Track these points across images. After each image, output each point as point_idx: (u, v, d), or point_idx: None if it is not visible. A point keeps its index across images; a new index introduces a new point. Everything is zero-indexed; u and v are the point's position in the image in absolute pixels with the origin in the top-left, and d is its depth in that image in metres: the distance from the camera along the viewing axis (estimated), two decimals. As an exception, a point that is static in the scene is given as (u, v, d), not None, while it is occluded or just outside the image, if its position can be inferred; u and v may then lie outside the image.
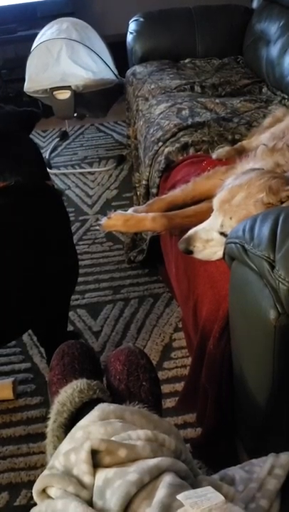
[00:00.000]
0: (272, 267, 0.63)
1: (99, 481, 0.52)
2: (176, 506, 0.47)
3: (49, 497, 0.54)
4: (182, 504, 0.46)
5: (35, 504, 0.56)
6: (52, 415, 0.68)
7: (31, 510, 0.55)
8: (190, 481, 0.55)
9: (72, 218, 1.83)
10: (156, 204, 1.11)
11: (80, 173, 2.25)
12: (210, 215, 0.90)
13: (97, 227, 1.09)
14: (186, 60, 2.08)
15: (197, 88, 1.78)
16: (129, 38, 2.15)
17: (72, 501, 0.50)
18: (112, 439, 0.56)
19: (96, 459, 0.54)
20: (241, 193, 0.82)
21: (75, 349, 0.78)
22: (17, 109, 1.16)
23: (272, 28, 1.85)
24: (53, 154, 2.44)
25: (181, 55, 2.10)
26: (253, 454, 0.69)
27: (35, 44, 2.12)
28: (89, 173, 2.25)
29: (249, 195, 0.81)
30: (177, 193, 1.11)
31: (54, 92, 2.05)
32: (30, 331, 1.26)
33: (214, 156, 1.24)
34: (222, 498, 0.46)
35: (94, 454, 0.54)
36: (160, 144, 1.42)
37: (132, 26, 2.14)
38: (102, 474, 0.53)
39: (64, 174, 2.26)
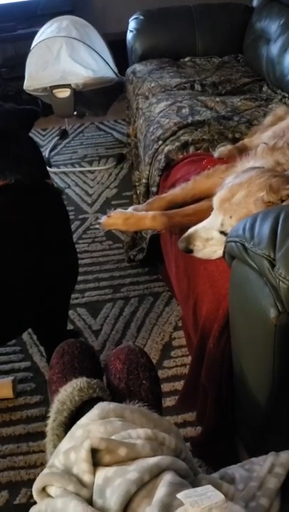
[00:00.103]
0: (273, 266, 0.63)
1: (99, 480, 0.52)
2: (176, 505, 0.47)
3: (49, 496, 0.54)
4: (182, 503, 0.46)
5: (35, 503, 0.56)
6: (52, 414, 0.68)
7: (31, 508, 0.55)
8: (190, 479, 0.55)
9: (72, 217, 1.83)
10: (156, 203, 1.11)
11: (80, 172, 2.25)
12: (210, 214, 0.90)
13: (97, 226, 1.09)
14: (186, 59, 2.07)
15: (197, 86, 1.77)
16: (129, 36, 2.14)
17: (72, 500, 0.50)
18: (112, 437, 0.56)
19: (96, 458, 0.54)
20: (241, 191, 0.82)
21: (74, 348, 0.78)
22: (16, 107, 1.15)
23: (273, 27, 1.85)
24: (53, 153, 2.43)
25: (181, 54, 2.09)
26: (253, 453, 0.69)
27: (35, 42, 2.12)
28: (89, 171, 2.24)
29: (249, 194, 0.81)
30: (177, 192, 1.10)
31: (54, 91, 2.04)
32: (30, 330, 1.26)
33: (216, 154, 1.24)
34: (222, 496, 0.46)
35: (94, 452, 0.54)
36: (160, 142, 1.42)
37: (132, 24, 2.13)
38: (102, 473, 0.53)
39: (64, 173, 2.25)
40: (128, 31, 2.15)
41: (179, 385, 1.16)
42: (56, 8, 2.52)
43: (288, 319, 0.63)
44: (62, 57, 2.02)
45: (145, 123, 1.63)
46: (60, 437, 0.65)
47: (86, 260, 1.65)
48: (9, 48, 2.68)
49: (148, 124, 1.59)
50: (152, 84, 1.82)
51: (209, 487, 0.49)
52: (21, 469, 1.05)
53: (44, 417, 0.71)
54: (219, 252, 0.87)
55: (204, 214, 0.92)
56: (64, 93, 2.04)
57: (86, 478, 0.53)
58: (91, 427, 0.57)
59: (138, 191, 1.58)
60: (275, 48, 1.79)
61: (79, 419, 0.61)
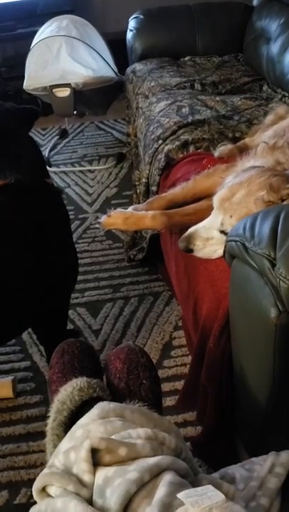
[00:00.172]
0: (273, 265, 0.62)
1: (99, 480, 0.52)
2: (176, 505, 0.47)
3: (49, 496, 0.54)
4: (183, 503, 0.46)
5: (35, 503, 0.56)
6: (52, 414, 0.68)
7: (31, 508, 0.55)
8: (190, 479, 0.55)
9: (71, 216, 1.83)
10: (156, 202, 1.11)
11: (80, 171, 2.24)
12: (210, 213, 0.90)
13: (97, 226, 1.09)
14: (186, 58, 2.07)
15: (197, 86, 1.77)
16: (129, 35, 2.14)
17: (72, 500, 0.50)
18: (112, 437, 0.55)
19: (96, 458, 0.54)
20: (241, 190, 0.82)
21: (74, 347, 0.78)
22: (16, 106, 1.15)
23: (273, 26, 1.85)
24: (53, 152, 2.43)
25: (181, 53, 2.09)
26: (253, 452, 0.69)
27: (34, 41, 2.11)
28: (89, 171, 2.24)
29: (249, 193, 0.81)
30: (177, 191, 1.10)
31: (54, 90, 2.04)
32: (29, 330, 1.26)
33: (216, 153, 1.24)
34: (222, 496, 0.46)
35: (94, 452, 0.54)
36: (160, 141, 1.42)
37: (132, 24, 2.13)
38: (102, 473, 0.52)
39: (64, 172, 2.25)
40: (128, 30, 2.15)
41: (179, 384, 1.16)
42: (56, 7, 2.52)
43: (288, 319, 0.63)
44: (62, 57, 2.02)
45: (145, 122, 1.62)
46: (60, 437, 0.64)
47: (86, 260, 1.64)
48: (9, 47, 2.68)
49: (148, 123, 1.58)
50: (152, 84, 1.81)
51: (210, 487, 0.49)
52: (21, 469, 1.05)
53: (44, 417, 0.71)
54: (219, 252, 0.87)
55: (204, 213, 0.92)
56: (64, 92, 2.04)
57: (86, 478, 0.53)
58: (91, 426, 0.57)
59: (138, 191, 1.58)
60: (275, 47, 1.79)
61: (79, 418, 0.61)
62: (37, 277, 1.00)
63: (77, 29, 2.08)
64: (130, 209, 1.09)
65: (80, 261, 1.24)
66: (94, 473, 0.53)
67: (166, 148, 1.37)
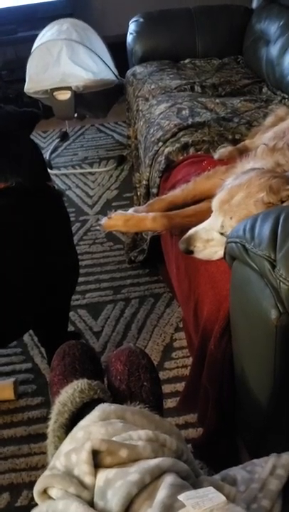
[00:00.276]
0: (273, 267, 0.62)
1: (100, 482, 0.52)
2: (177, 507, 0.47)
3: (50, 498, 0.54)
4: (184, 504, 0.46)
5: (36, 505, 0.56)
6: (53, 415, 0.68)
7: (32, 510, 0.55)
8: (191, 481, 0.55)
9: (72, 219, 1.83)
10: (156, 204, 1.11)
11: (81, 174, 2.25)
12: (210, 215, 0.90)
13: (98, 228, 1.10)
14: (186, 60, 2.08)
15: (197, 88, 1.78)
16: (129, 38, 2.15)
17: (73, 502, 0.50)
18: (113, 439, 0.55)
19: (97, 460, 0.54)
20: (241, 192, 0.82)
21: (75, 349, 0.78)
22: (17, 109, 1.15)
23: (272, 28, 1.85)
24: (54, 155, 2.44)
25: (181, 55, 2.10)
26: (254, 453, 0.69)
27: (35, 45, 2.12)
28: (89, 173, 2.25)
29: (249, 195, 0.81)
30: (177, 193, 1.10)
31: (54, 93, 2.05)
32: (31, 332, 1.26)
33: (216, 156, 1.24)
34: (223, 498, 0.46)
35: (95, 454, 0.54)
36: (160, 144, 1.42)
37: (132, 27, 2.14)
38: (103, 475, 0.53)
39: (64, 175, 2.26)
40: (128, 33, 2.16)
41: (180, 386, 1.16)
42: (56, 11, 2.53)
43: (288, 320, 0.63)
44: (62, 60, 2.03)
45: (145, 125, 1.63)
46: (61, 439, 0.64)
47: (87, 262, 1.65)
48: (10, 50, 2.69)
49: (148, 125, 1.59)
50: (152, 86, 1.82)
51: (210, 489, 0.49)
52: (23, 471, 1.04)
53: (45, 419, 0.71)
54: (220, 253, 0.87)
55: (205, 215, 0.92)
56: (64, 95, 2.05)
57: (87, 480, 0.53)
58: (92, 428, 0.57)
59: (138, 193, 1.58)
60: (274, 50, 1.79)
61: (80, 420, 0.61)
62: (37, 279, 1.01)
63: (78, 32, 2.09)
64: (131, 211, 1.09)
65: (80, 263, 1.24)
66: (95, 475, 0.53)
67: (167, 150, 1.37)
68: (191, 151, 1.35)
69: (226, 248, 0.77)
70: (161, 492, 0.49)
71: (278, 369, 0.68)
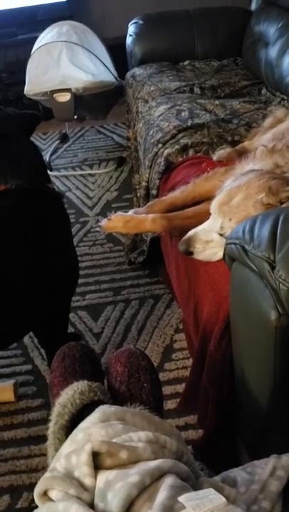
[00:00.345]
0: (273, 268, 0.63)
1: (100, 483, 0.52)
2: (177, 508, 0.47)
3: (50, 499, 0.54)
4: (184, 506, 0.46)
5: (36, 507, 0.56)
6: (53, 417, 0.68)
7: (32, 512, 0.55)
8: (191, 482, 0.55)
9: (72, 220, 1.83)
10: (156, 205, 1.12)
11: (81, 175, 2.25)
12: (209, 216, 0.90)
13: (98, 229, 1.10)
14: (186, 62, 2.08)
15: (196, 90, 1.78)
16: (129, 40, 2.16)
17: (74, 504, 0.50)
18: (113, 440, 0.55)
19: (97, 461, 0.54)
20: (240, 194, 0.82)
21: (75, 351, 0.78)
22: (18, 111, 1.16)
23: (271, 30, 1.86)
24: (54, 156, 2.44)
25: (181, 57, 2.10)
26: (254, 453, 0.69)
27: (35, 47, 2.13)
28: (89, 175, 2.25)
29: (248, 196, 0.81)
30: (177, 195, 1.11)
31: (54, 95, 2.05)
32: (31, 333, 1.26)
33: (215, 157, 1.24)
34: (224, 499, 0.46)
35: (95, 456, 0.54)
36: (160, 145, 1.43)
37: (132, 29, 2.15)
38: (104, 476, 0.52)
39: (64, 176, 2.26)
40: (127, 35, 2.16)
41: (180, 387, 1.16)
42: (56, 13, 2.54)
43: (288, 321, 0.63)
44: (62, 62, 2.03)
45: (145, 126, 1.63)
46: (61, 441, 0.64)
47: (87, 263, 1.65)
48: (10, 53, 2.70)
49: (148, 127, 1.59)
50: (152, 88, 1.82)
51: (211, 490, 0.49)
52: (23, 473, 1.04)
53: (45, 421, 0.71)
54: (219, 254, 0.87)
55: (204, 216, 0.93)
56: (64, 97, 2.05)
57: (87, 481, 0.53)
58: (92, 430, 0.57)
59: (138, 194, 1.58)
60: (273, 51, 1.80)
61: (80, 422, 0.61)
62: (37, 277, 1.01)
63: (78, 35, 2.09)
64: (131, 212, 1.09)
65: (80, 264, 1.24)
66: (95, 477, 0.53)
67: (166, 152, 1.38)
68: (191, 152, 1.35)
69: (225, 249, 0.77)
70: (162, 494, 0.49)
71: (278, 370, 0.68)
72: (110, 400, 0.70)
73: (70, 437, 0.60)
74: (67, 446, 0.58)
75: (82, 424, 0.60)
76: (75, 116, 2.18)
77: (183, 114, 1.55)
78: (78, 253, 1.25)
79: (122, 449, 0.54)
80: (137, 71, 2.04)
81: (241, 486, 0.55)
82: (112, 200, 2.03)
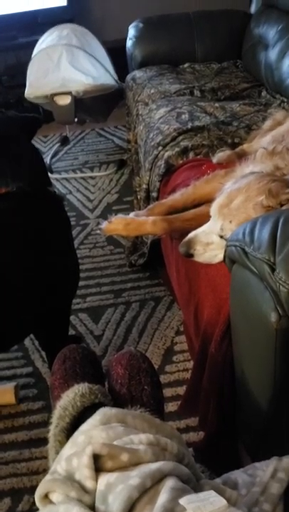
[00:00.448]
0: (273, 270, 0.63)
1: (101, 486, 0.52)
2: (178, 511, 0.47)
3: (51, 502, 0.54)
4: (185, 508, 0.46)
5: (37, 510, 0.56)
6: (54, 420, 0.68)
7: (33, 515, 0.55)
8: (192, 485, 0.55)
9: (73, 223, 1.84)
10: (156, 208, 1.12)
11: (81, 178, 2.26)
12: (210, 218, 0.90)
13: (98, 232, 1.10)
14: (186, 65, 2.09)
15: (196, 92, 1.79)
16: (129, 43, 2.17)
17: (75, 506, 0.50)
18: (114, 443, 0.55)
19: (98, 464, 0.54)
20: (240, 196, 0.83)
21: (76, 353, 0.78)
22: (19, 114, 1.17)
23: (271, 32, 1.87)
24: (54, 159, 2.45)
25: (181, 60, 2.11)
26: (255, 455, 0.69)
27: (35, 50, 2.14)
28: (90, 177, 2.26)
29: (248, 199, 0.81)
30: (177, 197, 1.11)
31: (54, 98, 2.06)
32: (31, 336, 1.27)
33: (215, 160, 1.24)
34: (225, 502, 0.46)
35: (96, 458, 0.54)
36: (160, 148, 1.43)
37: (132, 32, 2.16)
38: (104, 479, 0.53)
39: (65, 179, 2.27)
40: (128, 38, 2.17)
41: (181, 389, 1.16)
42: (56, 16, 2.55)
43: (288, 323, 0.64)
44: (62, 65, 2.04)
45: (145, 129, 1.64)
46: (62, 443, 0.65)
47: (87, 265, 1.65)
48: (10, 56, 2.71)
49: (148, 130, 1.60)
50: (152, 91, 1.83)
51: (212, 492, 0.49)
52: (24, 476, 1.04)
53: (46, 423, 0.71)
54: (220, 256, 0.88)
55: (204, 218, 0.93)
56: (65, 100, 2.06)
57: (88, 484, 0.53)
58: (93, 432, 0.57)
59: (139, 197, 1.59)
60: (273, 54, 1.80)
61: (81, 424, 0.61)
62: (38, 282, 1.01)
63: (78, 38, 2.10)
64: (131, 215, 1.10)
65: (81, 266, 1.24)
66: (96, 480, 0.53)
67: (166, 154, 1.38)
68: (191, 155, 1.35)
69: (225, 251, 0.77)
70: (163, 496, 0.49)
71: (278, 371, 0.68)
72: (111, 402, 0.70)
73: (71, 440, 0.60)
74: (68, 449, 0.59)
75: (83, 427, 0.60)
76: (76, 119, 2.19)
77: (183, 116, 1.55)
78: (79, 255, 1.25)
79: (122, 452, 0.54)
80: (137, 74, 2.05)
81: (242, 488, 0.55)
82: (112, 202, 2.03)
